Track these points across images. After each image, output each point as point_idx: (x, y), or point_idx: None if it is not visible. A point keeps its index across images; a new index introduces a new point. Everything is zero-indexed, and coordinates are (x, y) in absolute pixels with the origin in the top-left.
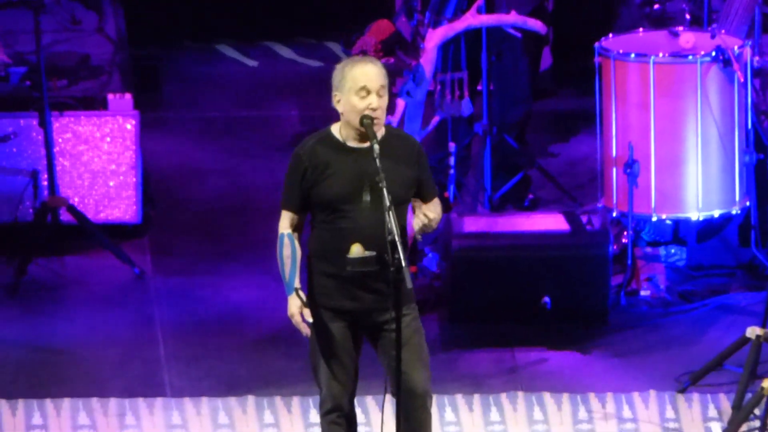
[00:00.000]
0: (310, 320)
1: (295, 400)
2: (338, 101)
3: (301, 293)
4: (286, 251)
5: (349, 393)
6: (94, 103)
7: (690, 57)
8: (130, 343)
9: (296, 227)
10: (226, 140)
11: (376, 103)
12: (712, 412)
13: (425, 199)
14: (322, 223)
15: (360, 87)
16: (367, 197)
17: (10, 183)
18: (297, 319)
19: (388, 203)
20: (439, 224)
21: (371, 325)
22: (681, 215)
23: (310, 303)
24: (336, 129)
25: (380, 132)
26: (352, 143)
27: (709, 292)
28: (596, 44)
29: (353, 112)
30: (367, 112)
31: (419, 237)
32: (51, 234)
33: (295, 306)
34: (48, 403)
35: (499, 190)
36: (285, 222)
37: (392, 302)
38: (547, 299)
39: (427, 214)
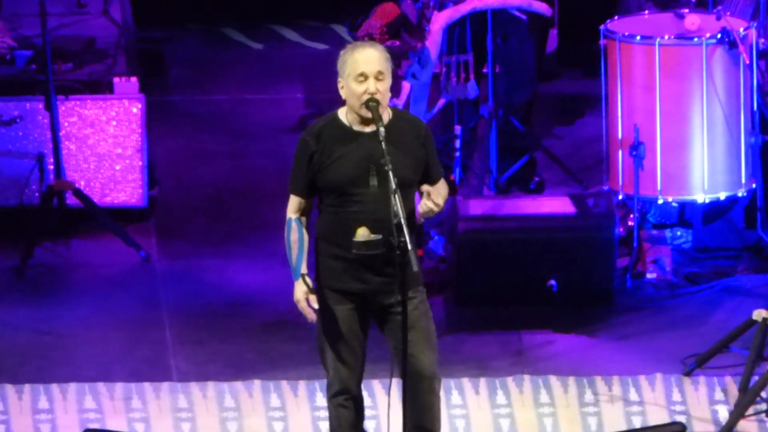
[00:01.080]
0: (316, 306)
1: (302, 384)
2: (342, 87)
3: (307, 279)
4: (294, 236)
5: (356, 376)
6: (100, 87)
7: (695, 39)
8: (136, 326)
9: (304, 211)
10: (231, 123)
11: (374, 87)
12: (719, 394)
13: (431, 182)
14: (329, 206)
15: (358, 73)
16: (374, 181)
17: (16, 166)
18: (303, 305)
19: (393, 186)
20: (444, 207)
21: (378, 307)
22: (687, 197)
23: (318, 285)
24: (342, 113)
25: (385, 115)
26: (358, 127)
27: (715, 274)
28: (601, 26)
29: (353, 97)
30: (364, 97)
31: (422, 220)
32: (57, 217)
33: (301, 292)
34: (54, 387)
35: (504, 172)
36: (293, 206)
37: (398, 285)
38: (553, 282)
39: (435, 200)
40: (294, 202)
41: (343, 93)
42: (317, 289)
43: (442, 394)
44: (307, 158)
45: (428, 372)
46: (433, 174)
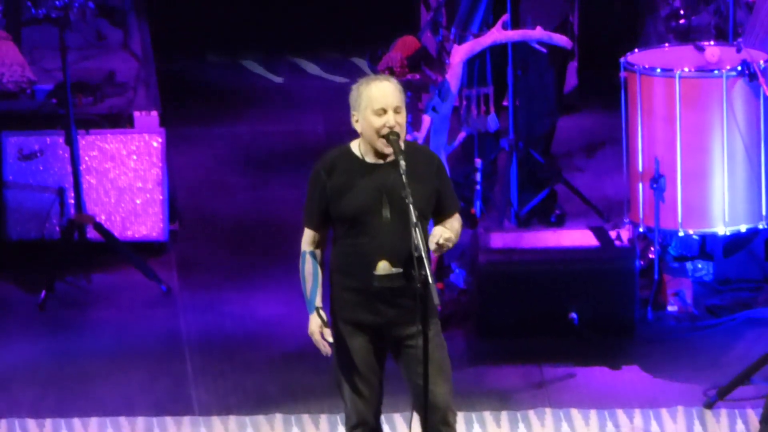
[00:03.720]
0: (330, 340)
1: (323, 417)
2: (356, 121)
3: (322, 312)
4: (308, 268)
5: (373, 408)
6: (120, 120)
7: (716, 71)
8: (158, 359)
9: (318, 244)
10: (252, 156)
11: (393, 120)
12: (740, 426)
13: (446, 213)
14: (342, 238)
15: (378, 107)
16: (386, 212)
17: (37, 200)
18: (317, 337)
19: (414, 219)
20: (465, 239)
21: (393, 339)
22: (708, 230)
23: (332, 318)
24: (355, 145)
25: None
26: (371, 159)
27: (736, 306)
28: (622, 59)
29: (371, 130)
30: (384, 130)
31: (436, 254)
32: (78, 251)
33: (316, 324)
34: (76, 421)
35: (525, 205)
36: (307, 239)
37: (419, 318)
38: (574, 314)
39: (443, 234)
40: (308, 235)
41: (358, 126)
42: (332, 322)
43: (462, 426)
44: (319, 190)
45: (442, 404)
46: (447, 206)
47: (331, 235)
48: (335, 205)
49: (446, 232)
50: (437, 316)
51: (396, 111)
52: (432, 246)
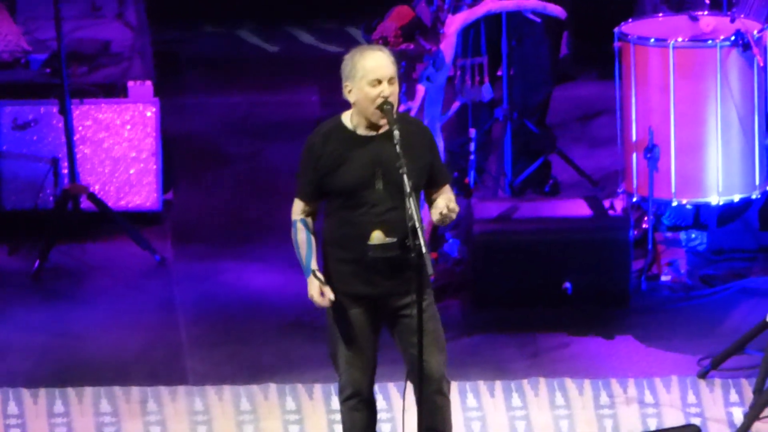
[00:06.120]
0: (331, 296)
1: (317, 387)
2: (349, 91)
3: (318, 274)
4: (301, 235)
5: (368, 379)
6: (115, 90)
7: (710, 41)
8: (152, 329)
9: (309, 213)
10: (247, 125)
11: (388, 90)
12: (734, 396)
13: (438, 185)
14: (336, 210)
15: (373, 78)
16: (379, 184)
17: (30, 170)
18: (317, 299)
19: (408, 189)
20: (459, 209)
21: (388, 310)
22: (701, 199)
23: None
24: (347, 117)
25: None
26: (363, 131)
27: (730, 276)
28: (616, 29)
29: (366, 101)
30: (378, 100)
31: (439, 224)
32: (72, 221)
33: (314, 286)
34: (70, 390)
35: (519, 174)
36: (297, 209)
37: (414, 288)
38: (568, 284)
39: (449, 204)
40: (299, 206)
41: (350, 97)
42: None
43: (456, 396)
44: (313, 163)
45: (437, 375)
46: (440, 178)
47: (322, 208)
48: (329, 179)
49: (452, 202)
50: (431, 287)
51: (390, 82)
52: (435, 217)
